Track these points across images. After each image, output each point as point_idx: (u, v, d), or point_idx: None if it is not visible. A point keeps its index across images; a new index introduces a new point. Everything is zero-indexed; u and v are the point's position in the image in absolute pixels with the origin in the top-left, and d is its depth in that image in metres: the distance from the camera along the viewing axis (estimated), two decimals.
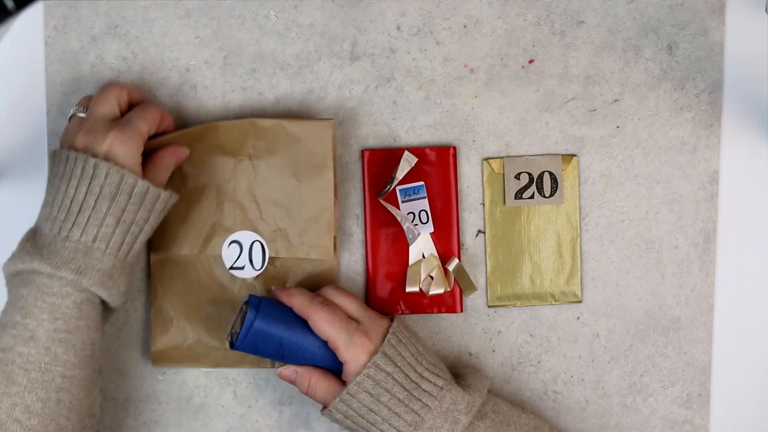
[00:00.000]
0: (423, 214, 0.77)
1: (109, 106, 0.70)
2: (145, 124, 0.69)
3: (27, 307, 0.65)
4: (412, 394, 0.70)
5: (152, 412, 0.79)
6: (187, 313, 0.77)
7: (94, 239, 0.66)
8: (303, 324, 0.72)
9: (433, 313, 0.78)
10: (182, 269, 0.77)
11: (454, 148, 0.77)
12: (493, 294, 0.78)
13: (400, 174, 0.76)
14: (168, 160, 0.72)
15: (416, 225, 0.77)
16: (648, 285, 0.78)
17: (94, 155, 0.66)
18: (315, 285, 0.76)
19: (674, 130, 0.78)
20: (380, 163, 0.77)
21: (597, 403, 0.79)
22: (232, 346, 0.72)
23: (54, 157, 0.69)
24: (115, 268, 0.67)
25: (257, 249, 0.76)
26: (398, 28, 0.78)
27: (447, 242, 0.78)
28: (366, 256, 0.78)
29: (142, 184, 0.67)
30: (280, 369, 0.73)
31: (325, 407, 0.72)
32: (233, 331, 0.72)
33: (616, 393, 0.79)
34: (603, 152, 0.78)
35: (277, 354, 0.72)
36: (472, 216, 0.78)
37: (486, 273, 0.78)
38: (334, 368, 0.72)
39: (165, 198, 0.69)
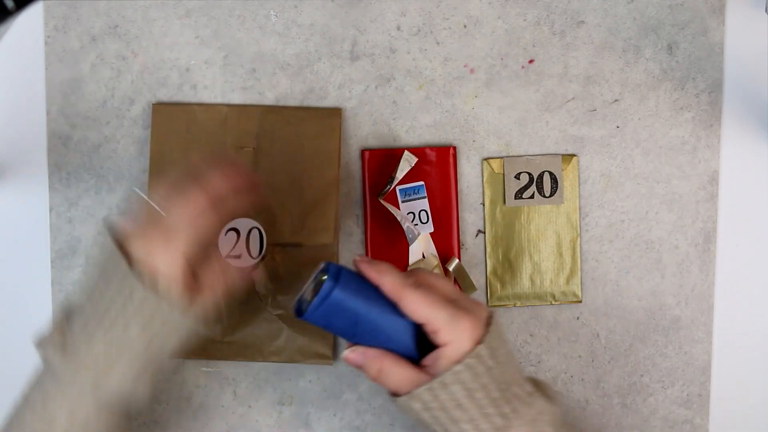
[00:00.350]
0: (423, 214, 0.77)
1: (185, 212, 0.62)
2: (182, 219, 0.62)
3: (47, 399, 0.63)
4: (504, 395, 0.62)
5: (152, 412, 0.79)
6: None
7: (117, 345, 0.62)
8: (384, 302, 0.63)
9: None
10: None
11: (454, 148, 0.77)
12: (493, 294, 0.78)
13: (400, 174, 0.76)
14: (219, 285, 0.65)
15: (416, 225, 0.77)
16: (648, 285, 0.78)
17: (136, 260, 0.61)
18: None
19: (674, 130, 0.78)
20: (380, 163, 0.77)
21: (597, 403, 0.79)
22: (299, 314, 0.64)
23: (101, 241, 0.63)
24: (137, 374, 0.63)
25: (255, 236, 0.76)
26: (398, 28, 0.78)
27: (447, 242, 0.78)
28: (366, 255, 0.78)
29: (169, 312, 0.61)
30: (345, 352, 0.64)
31: (395, 394, 0.64)
32: (303, 298, 0.64)
33: (616, 393, 0.79)
34: (603, 152, 0.78)
35: (348, 331, 0.64)
36: (472, 216, 0.78)
37: (486, 273, 0.78)
38: (406, 356, 0.64)
39: (195, 328, 0.64)
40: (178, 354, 0.64)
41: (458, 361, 0.61)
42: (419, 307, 0.61)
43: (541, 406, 0.63)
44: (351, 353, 0.64)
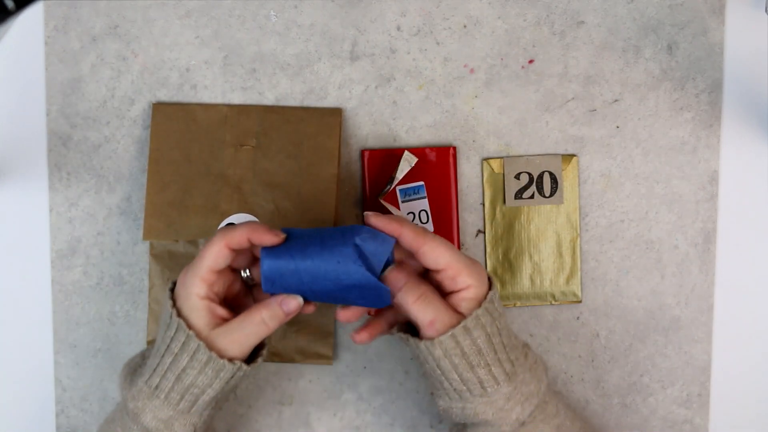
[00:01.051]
0: (423, 214, 0.77)
1: (211, 256, 0.65)
2: (202, 262, 0.64)
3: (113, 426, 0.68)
4: (511, 342, 0.66)
5: None
6: None
7: (156, 387, 0.65)
8: (327, 251, 0.63)
9: None
10: (181, 261, 0.77)
11: (454, 148, 0.77)
12: None
13: (400, 174, 0.76)
14: (251, 329, 0.64)
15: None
16: (648, 285, 0.78)
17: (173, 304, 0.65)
18: None
19: (674, 130, 0.78)
20: (380, 163, 0.77)
21: (597, 403, 0.79)
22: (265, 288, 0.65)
23: (167, 304, 0.67)
24: (174, 419, 0.65)
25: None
26: (398, 28, 0.78)
27: None
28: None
29: (204, 351, 0.63)
30: (387, 271, 0.65)
31: (420, 337, 0.64)
32: None
33: (616, 393, 0.79)
34: (603, 152, 0.78)
35: (307, 291, 0.64)
36: (472, 216, 0.78)
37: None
38: (364, 301, 0.64)
39: (231, 370, 0.64)
40: (215, 392, 0.65)
41: (479, 305, 0.63)
42: (442, 252, 0.64)
43: (534, 356, 0.68)
44: (393, 273, 0.64)
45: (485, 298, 0.64)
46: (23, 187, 0.79)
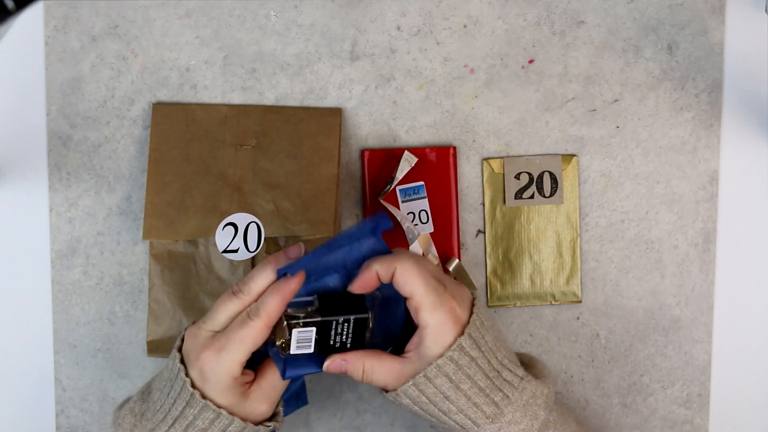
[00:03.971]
0: (423, 214, 0.77)
1: (222, 316, 0.62)
2: (242, 346, 0.61)
3: None
4: (494, 383, 0.61)
5: None
6: (184, 305, 0.77)
7: None
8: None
9: None
10: (181, 261, 0.77)
11: (454, 148, 0.77)
12: (493, 294, 0.78)
13: (400, 174, 0.76)
14: (274, 381, 0.64)
15: (416, 225, 0.77)
16: (648, 285, 0.78)
17: (192, 379, 0.62)
18: None
19: (674, 130, 0.78)
20: (380, 163, 0.77)
21: (597, 403, 0.79)
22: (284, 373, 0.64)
23: (175, 346, 0.64)
24: None
25: (253, 231, 0.76)
26: (398, 28, 0.78)
27: (447, 242, 0.78)
28: None
29: (237, 423, 0.62)
30: (326, 363, 0.64)
31: (386, 390, 0.64)
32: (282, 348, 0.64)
33: (616, 393, 0.79)
34: (603, 152, 0.78)
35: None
36: (472, 216, 0.78)
37: (486, 273, 0.78)
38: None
39: (258, 430, 0.64)
40: None
41: (441, 354, 0.60)
42: (411, 278, 0.60)
43: (533, 389, 0.63)
44: (331, 363, 0.63)
45: (451, 344, 0.60)
46: (23, 187, 0.79)
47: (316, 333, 0.62)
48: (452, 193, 0.77)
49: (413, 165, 0.76)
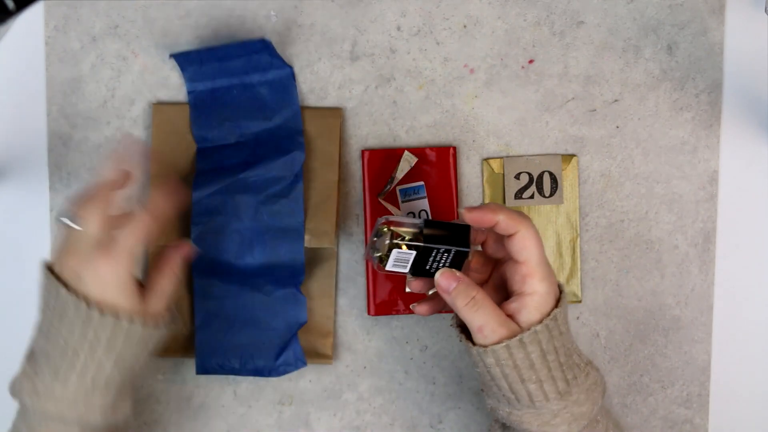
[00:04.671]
0: (423, 214, 0.77)
1: (94, 223, 0.63)
2: (132, 239, 0.63)
3: None
4: (569, 361, 0.63)
5: (152, 412, 0.79)
6: (183, 305, 0.77)
7: (92, 381, 0.63)
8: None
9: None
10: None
11: (454, 148, 0.77)
12: None
13: (400, 174, 0.76)
14: (167, 282, 0.67)
15: None
16: (648, 285, 0.78)
17: (85, 296, 0.62)
18: (313, 277, 0.77)
19: (674, 130, 0.78)
20: (380, 163, 0.77)
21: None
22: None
23: (45, 283, 0.64)
24: (117, 397, 0.65)
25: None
26: (398, 28, 0.78)
27: None
28: (366, 255, 0.78)
29: (137, 321, 0.63)
30: (438, 275, 0.63)
31: (470, 340, 0.63)
32: (376, 252, 0.64)
33: (616, 393, 0.79)
34: (603, 152, 0.78)
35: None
36: None
37: None
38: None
39: (163, 335, 0.66)
40: (149, 362, 0.66)
41: (539, 320, 0.61)
42: (529, 246, 0.61)
43: (595, 377, 0.65)
44: (443, 274, 0.62)
45: (548, 314, 0.61)
46: (23, 187, 0.79)
47: (415, 256, 0.63)
48: (452, 193, 0.77)
49: (413, 165, 0.76)
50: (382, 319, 0.78)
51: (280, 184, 0.74)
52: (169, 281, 0.67)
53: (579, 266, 0.78)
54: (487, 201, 0.78)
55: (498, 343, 0.60)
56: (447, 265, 0.63)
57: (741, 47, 0.78)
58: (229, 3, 0.77)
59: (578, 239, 0.78)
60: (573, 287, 0.78)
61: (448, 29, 0.78)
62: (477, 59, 0.78)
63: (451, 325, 0.65)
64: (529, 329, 0.60)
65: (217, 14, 0.78)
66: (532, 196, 0.78)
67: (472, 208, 0.62)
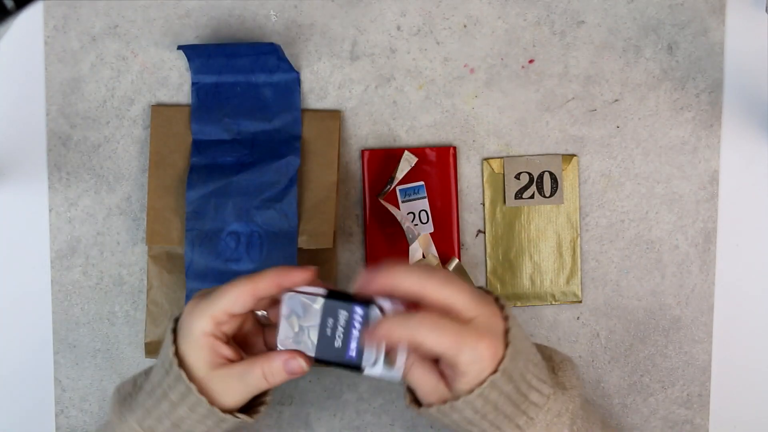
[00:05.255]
0: (423, 214, 0.77)
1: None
2: (220, 299, 0.60)
3: None
4: (519, 408, 0.59)
5: None
6: (182, 307, 0.77)
7: (150, 429, 0.63)
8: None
9: None
10: (179, 263, 0.77)
11: (454, 148, 0.77)
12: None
13: (400, 174, 0.76)
14: (256, 378, 0.61)
15: (416, 225, 0.77)
16: (648, 285, 0.78)
17: (176, 346, 0.61)
18: None
19: (674, 130, 0.78)
20: (380, 163, 0.77)
21: (597, 403, 0.79)
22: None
23: (167, 344, 0.63)
24: None
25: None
26: (398, 28, 0.77)
27: (447, 242, 0.78)
28: (366, 256, 0.78)
29: (205, 404, 0.61)
30: (380, 328, 0.57)
31: (414, 401, 0.62)
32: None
33: (616, 393, 0.79)
34: (603, 152, 0.78)
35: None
36: (472, 216, 0.78)
37: (486, 273, 0.78)
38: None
39: (234, 422, 0.62)
40: None
41: (471, 391, 0.58)
42: (438, 340, 0.56)
43: (558, 408, 0.61)
44: (380, 329, 0.57)
45: (483, 381, 0.57)
46: (23, 187, 0.79)
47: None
48: (452, 193, 0.77)
49: (413, 165, 0.76)
50: None
51: (274, 189, 0.74)
52: (253, 378, 0.61)
53: (579, 266, 0.78)
54: (487, 201, 0.78)
55: (431, 405, 0.59)
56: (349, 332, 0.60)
57: (741, 47, 0.78)
58: (229, 3, 0.77)
59: (578, 239, 0.78)
60: (573, 287, 0.78)
61: (448, 29, 0.77)
62: (477, 59, 0.78)
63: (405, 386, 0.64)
64: (458, 399, 0.58)
65: (217, 14, 0.78)
66: (532, 196, 0.78)
67: (365, 279, 0.58)
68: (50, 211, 0.78)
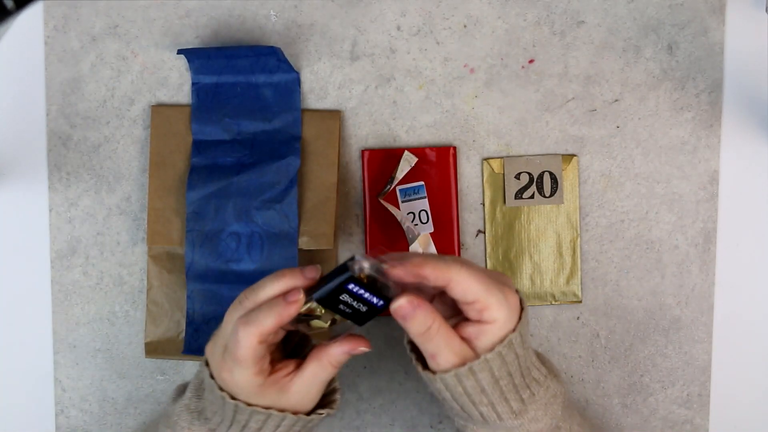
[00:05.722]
0: (423, 214, 0.77)
1: (230, 327, 0.61)
2: (245, 363, 0.60)
3: None
4: (525, 381, 0.62)
5: (152, 412, 0.79)
6: (182, 307, 0.77)
7: None
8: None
9: None
10: (179, 263, 0.77)
11: (454, 148, 0.77)
12: None
13: (400, 174, 0.76)
14: (321, 372, 0.62)
15: (416, 225, 0.77)
16: (648, 285, 0.78)
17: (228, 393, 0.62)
18: None
19: (674, 130, 0.78)
20: (380, 163, 0.77)
21: (597, 403, 0.79)
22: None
23: (202, 362, 0.64)
24: None
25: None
26: (398, 28, 0.78)
27: (447, 242, 0.78)
28: (366, 256, 0.78)
29: (290, 418, 0.62)
30: (399, 301, 0.59)
31: (423, 365, 0.62)
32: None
33: (616, 393, 0.79)
34: (603, 152, 0.78)
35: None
36: (472, 216, 0.78)
37: None
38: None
39: (317, 420, 0.63)
40: None
41: (491, 348, 0.59)
42: (471, 284, 0.58)
43: (555, 389, 0.64)
44: (404, 302, 0.59)
45: (503, 339, 0.59)
46: (23, 187, 0.79)
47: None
48: (452, 193, 0.77)
49: (413, 165, 0.76)
50: (382, 319, 0.78)
51: (275, 190, 0.74)
52: (323, 371, 0.62)
53: (579, 266, 0.78)
54: (487, 201, 0.78)
55: (448, 371, 0.60)
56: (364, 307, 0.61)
57: (741, 47, 0.78)
58: (229, 3, 0.77)
59: (578, 239, 0.78)
60: (573, 287, 0.78)
61: (448, 29, 0.77)
62: (477, 59, 0.78)
63: (405, 343, 0.64)
64: (479, 357, 0.59)
65: (217, 14, 0.78)
66: (532, 196, 0.78)
67: (394, 264, 0.59)
68: (50, 211, 0.78)
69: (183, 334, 0.77)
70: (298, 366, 0.62)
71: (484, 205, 0.78)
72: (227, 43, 0.77)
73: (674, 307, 0.78)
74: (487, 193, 0.78)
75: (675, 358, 0.79)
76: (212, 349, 0.62)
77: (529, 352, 0.63)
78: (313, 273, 0.60)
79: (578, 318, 0.79)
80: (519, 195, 0.78)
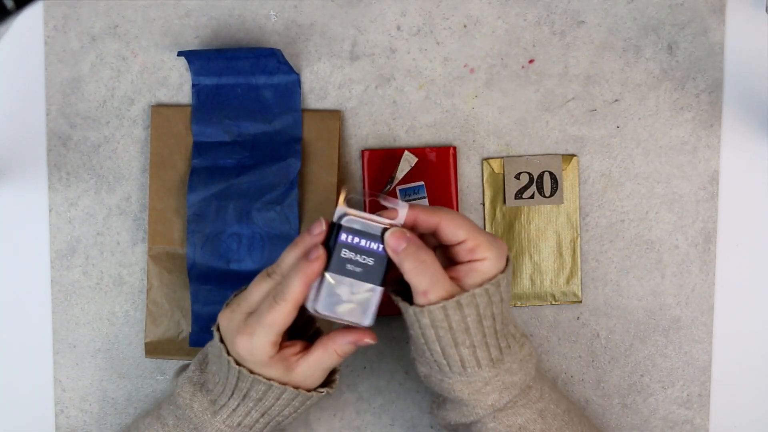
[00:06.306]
0: None
1: (256, 297, 0.64)
2: (271, 329, 0.62)
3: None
4: (504, 330, 0.64)
5: None
6: (182, 307, 0.77)
7: (239, 425, 0.66)
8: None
9: None
10: (179, 263, 0.77)
11: (454, 148, 0.77)
12: None
13: (400, 174, 0.76)
14: (326, 358, 0.64)
15: None
16: (648, 285, 0.78)
17: (234, 358, 0.64)
18: None
19: (674, 130, 0.78)
20: (380, 163, 0.77)
21: (597, 403, 0.79)
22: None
23: (214, 326, 0.67)
24: None
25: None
26: (398, 28, 0.77)
27: None
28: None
29: (290, 391, 0.64)
30: (387, 234, 0.62)
31: (410, 301, 0.63)
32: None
33: (616, 393, 0.79)
34: (603, 152, 0.78)
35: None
36: (472, 216, 0.78)
37: None
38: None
39: (318, 397, 0.66)
40: (300, 414, 0.68)
41: (480, 284, 0.62)
42: (460, 224, 0.63)
43: (530, 349, 0.67)
44: (393, 236, 0.62)
45: (492, 278, 0.62)
46: (23, 187, 0.79)
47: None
48: (452, 193, 0.77)
49: (413, 165, 0.76)
50: (382, 319, 0.78)
51: (275, 191, 0.74)
52: (329, 358, 0.64)
53: (579, 266, 0.78)
54: (487, 201, 0.78)
55: (436, 303, 0.61)
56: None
57: (741, 47, 0.78)
58: (229, 3, 0.77)
59: (578, 239, 0.78)
60: (573, 287, 0.78)
61: (448, 29, 0.77)
62: (477, 59, 0.78)
63: (390, 291, 0.66)
64: (467, 292, 0.61)
65: (217, 14, 0.78)
66: (532, 196, 0.78)
67: (394, 233, 0.62)
68: (50, 211, 0.78)
69: (183, 334, 0.77)
70: (304, 347, 0.65)
71: (484, 205, 0.78)
72: (227, 43, 0.77)
73: (674, 307, 0.78)
74: (487, 193, 0.78)
75: (675, 358, 0.79)
76: (230, 315, 0.64)
77: (509, 310, 0.66)
78: (318, 227, 0.63)
79: (578, 318, 0.79)
80: (519, 195, 0.78)
